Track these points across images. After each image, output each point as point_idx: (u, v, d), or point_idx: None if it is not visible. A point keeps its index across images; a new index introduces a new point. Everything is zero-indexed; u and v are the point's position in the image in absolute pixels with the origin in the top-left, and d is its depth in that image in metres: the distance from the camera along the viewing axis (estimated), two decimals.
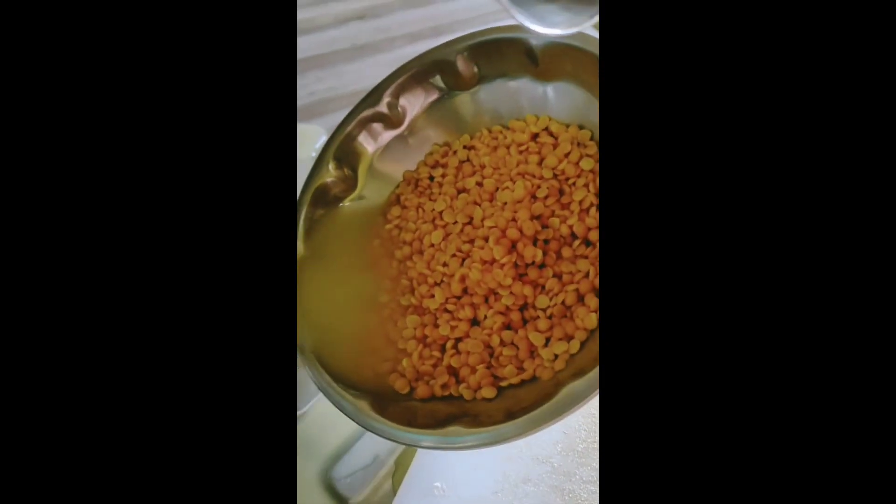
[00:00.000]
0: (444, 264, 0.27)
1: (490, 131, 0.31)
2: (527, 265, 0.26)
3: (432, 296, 0.27)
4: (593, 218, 0.26)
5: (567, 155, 0.28)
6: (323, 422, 0.34)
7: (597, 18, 0.21)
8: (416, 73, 0.30)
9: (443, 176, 0.30)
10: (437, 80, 0.31)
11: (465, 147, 0.31)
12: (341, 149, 0.30)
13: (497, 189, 0.28)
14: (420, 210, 0.30)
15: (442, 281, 0.28)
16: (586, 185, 0.27)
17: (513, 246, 0.27)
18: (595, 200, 0.26)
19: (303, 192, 0.30)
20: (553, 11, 0.22)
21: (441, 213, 0.29)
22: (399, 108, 0.31)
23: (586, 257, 0.26)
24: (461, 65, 0.30)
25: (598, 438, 0.30)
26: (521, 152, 0.29)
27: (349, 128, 0.30)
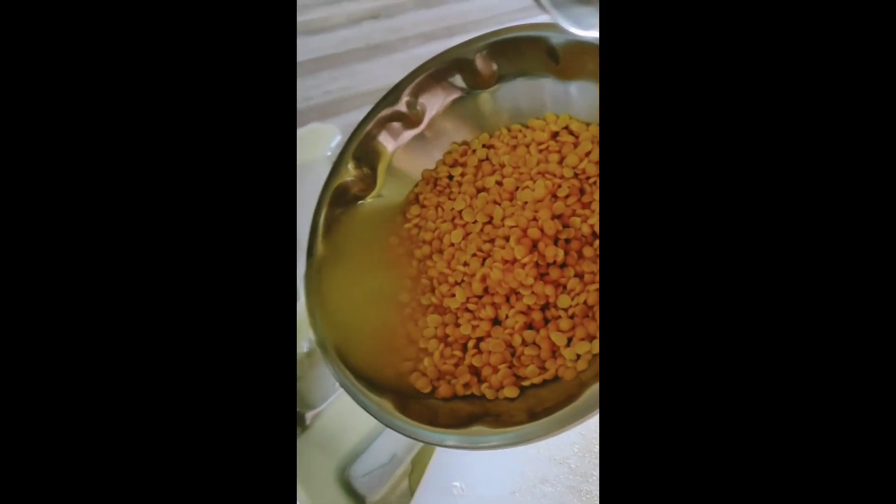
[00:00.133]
0: (465, 264, 0.27)
1: (510, 130, 0.30)
2: (548, 265, 0.26)
3: (453, 295, 0.27)
4: None
5: (588, 154, 0.28)
6: (340, 420, 0.34)
7: None
8: (436, 71, 0.30)
9: (462, 175, 0.30)
10: (457, 78, 0.31)
11: (484, 146, 0.31)
12: (361, 148, 0.30)
13: (517, 188, 0.28)
14: (439, 209, 0.30)
15: (462, 280, 0.27)
16: None
17: (534, 245, 0.26)
18: None
19: (322, 191, 0.30)
20: (589, 14, 0.22)
21: (461, 212, 0.29)
22: (418, 107, 0.31)
23: None
24: (480, 63, 0.30)
25: None
26: (540, 151, 0.29)
27: (368, 127, 0.30)
